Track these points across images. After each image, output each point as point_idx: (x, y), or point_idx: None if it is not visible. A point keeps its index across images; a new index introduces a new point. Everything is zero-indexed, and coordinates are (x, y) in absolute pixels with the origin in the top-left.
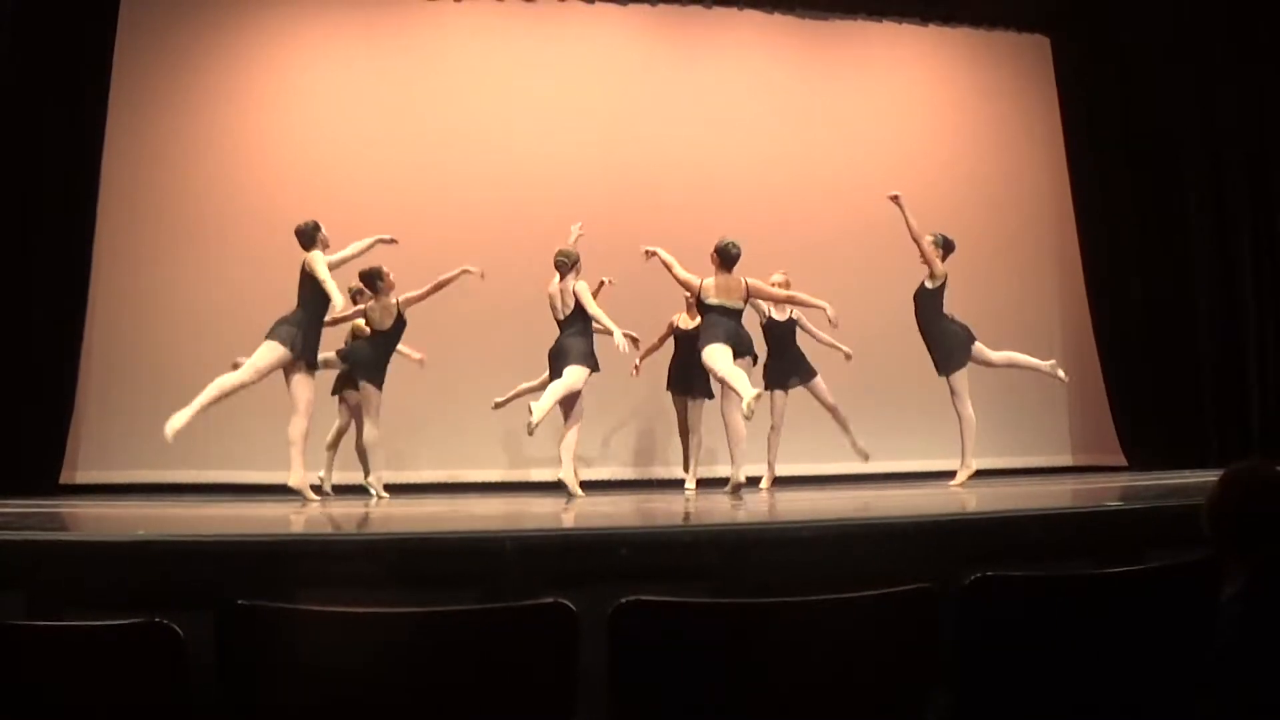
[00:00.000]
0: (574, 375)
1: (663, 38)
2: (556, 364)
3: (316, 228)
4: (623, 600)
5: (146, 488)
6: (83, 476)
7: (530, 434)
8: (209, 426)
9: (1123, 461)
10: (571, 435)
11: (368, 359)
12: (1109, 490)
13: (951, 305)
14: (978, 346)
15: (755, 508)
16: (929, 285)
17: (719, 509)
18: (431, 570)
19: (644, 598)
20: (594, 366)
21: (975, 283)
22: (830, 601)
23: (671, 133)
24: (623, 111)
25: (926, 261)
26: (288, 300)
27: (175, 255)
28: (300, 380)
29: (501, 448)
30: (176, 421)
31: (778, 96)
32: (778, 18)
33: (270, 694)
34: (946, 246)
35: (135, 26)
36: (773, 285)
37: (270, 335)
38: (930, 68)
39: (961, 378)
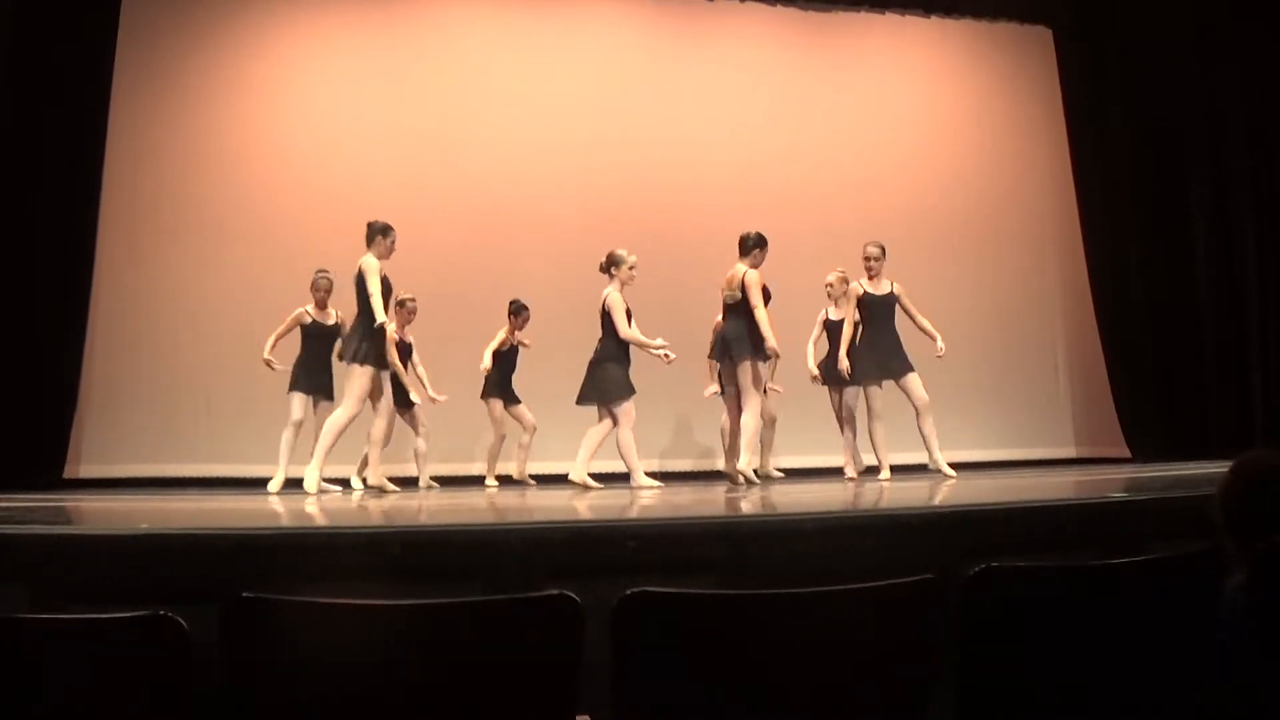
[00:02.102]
0: (627, 414)
1: (665, 30)
2: (594, 393)
3: (383, 231)
4: (627, 592)
5: (150, 482)
6: (86, 471)
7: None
8: (213, 421)
9: (1126, 453)
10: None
11: None
12: (1113, 482)
13: (954, 296)
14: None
15: (760, 500)
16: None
17: (724, 501)
18: (436, 563)
19: (648, 589)
20: (632, 390)
21: (978, 274)
22: (834, 593)
23: (674, 125)
24: (625, 104)
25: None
26: (289, 296)
27: (178, 250)
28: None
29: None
30: (310, 481)
31: (781, 89)
32: (780, 10)
33: (275, 687)
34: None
35: (137, 23)
36: (826, 284)
37: (351, 360)
38: (933, 59)
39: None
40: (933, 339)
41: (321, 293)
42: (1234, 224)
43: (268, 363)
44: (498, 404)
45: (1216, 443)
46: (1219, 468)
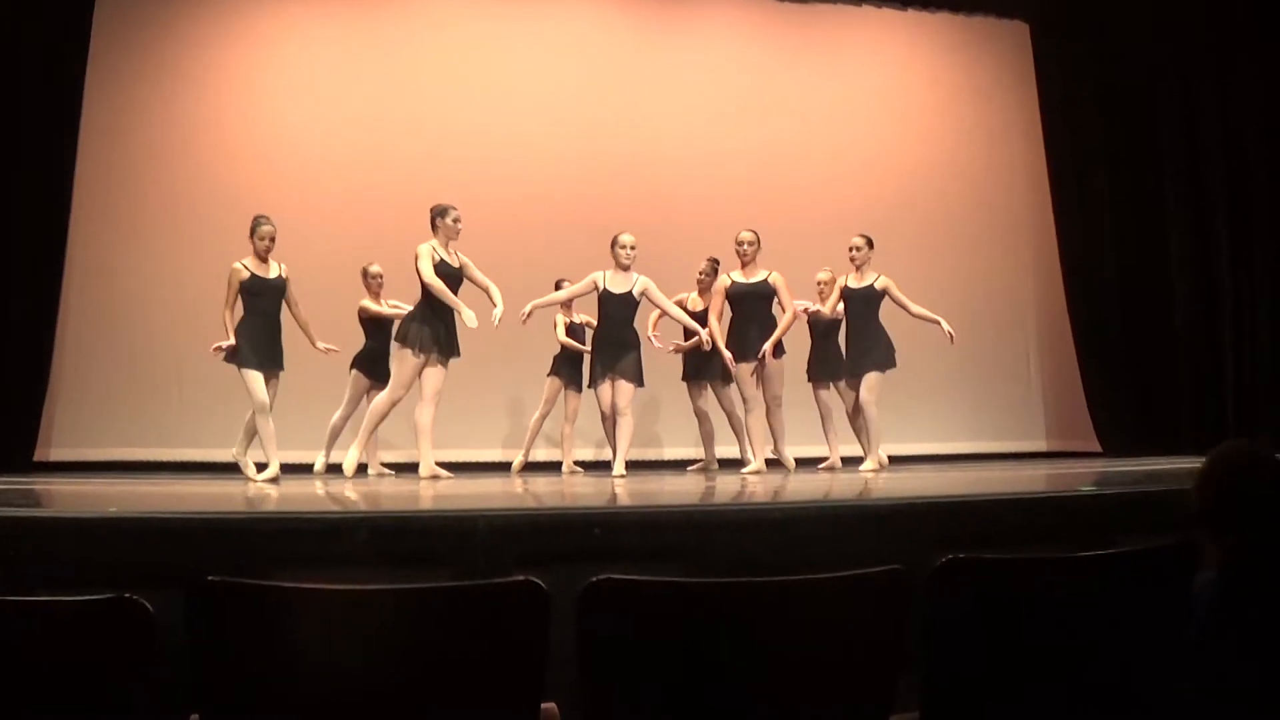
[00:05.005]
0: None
1: (641, 21)
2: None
3: (441, 213)
4: (593, 579)
5: (120, 465)
6: (57, 454)
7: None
8: (183, 405)
9: (1097, 447)
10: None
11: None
12: (1083, 475)
13: (927, 291)
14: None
15: (728, 489)
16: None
17: (692, 490)
18: (404, 548)
19: (614, 577)
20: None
21: (951, 268)
22: (801, 582)
23: (649, 117)
24: (599, 95)
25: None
26: None
27: (151, 233)
28: (430, 372)
29: (478, 427)
30: (350, 463)
31: (757, 81)
32: (756, 1)
33: (240, 671)
34: (872, 245)
35: (112, 8)
36: (818, 282)
37: (396, 338)
38: (910, 53)
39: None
40: (935, 323)
41: (265, 241)
42: (1208, 219)
43: (218, 348)
44: (558, 382)
45: (1187, 438)
46: (1190, 463)
